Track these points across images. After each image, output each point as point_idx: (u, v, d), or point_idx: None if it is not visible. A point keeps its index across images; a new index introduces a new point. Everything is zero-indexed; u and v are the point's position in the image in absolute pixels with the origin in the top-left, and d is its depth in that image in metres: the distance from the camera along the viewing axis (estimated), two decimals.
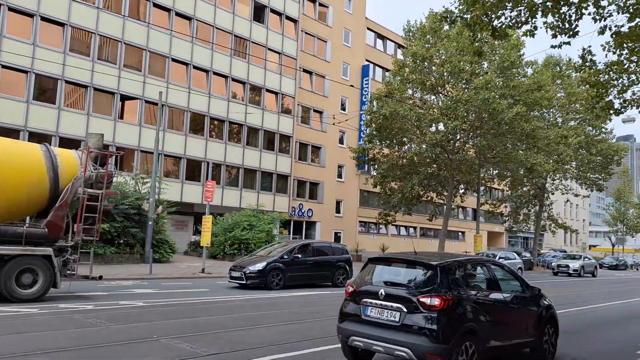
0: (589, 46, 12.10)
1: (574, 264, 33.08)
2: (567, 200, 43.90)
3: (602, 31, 11.01)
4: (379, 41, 46.53)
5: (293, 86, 37.22)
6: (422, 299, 5.78)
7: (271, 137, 36.06)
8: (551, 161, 34.36)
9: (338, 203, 41.57)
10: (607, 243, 71.04)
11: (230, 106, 33.31)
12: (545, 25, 10.50)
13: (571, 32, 10.72)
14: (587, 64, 15.26)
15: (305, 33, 38.98)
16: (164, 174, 29.58)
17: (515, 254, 31.72)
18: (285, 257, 16.64)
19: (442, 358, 5.60)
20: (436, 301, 5.72)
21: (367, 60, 43.76)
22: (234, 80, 33.96)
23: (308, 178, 39.27)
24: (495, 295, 6.76)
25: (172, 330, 8.60)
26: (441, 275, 6.04)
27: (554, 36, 10.79)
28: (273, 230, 28.96)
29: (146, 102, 29.66)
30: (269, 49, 35.66)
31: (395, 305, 5.92)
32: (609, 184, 47.29)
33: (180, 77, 31.53)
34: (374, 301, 6.14)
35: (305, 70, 39.00)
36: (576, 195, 45.25)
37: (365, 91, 42.04)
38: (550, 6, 9.94)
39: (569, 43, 11.16)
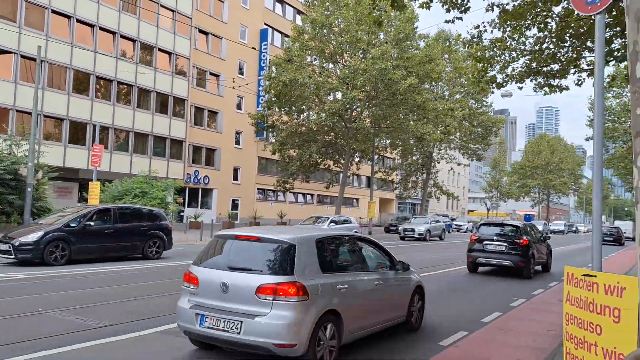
0: (482, 22, 12.85)
1: (420, 228, 31.15)
2: (451, 169, 47.46)
3: (490, 8, 11.73)
4: (278, 5, 45.74)
5: (188, 47, 35.53)
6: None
7: (164, 100, 34.33)
8: (438, 132, 36.57)
9: (236, 170, 41.03)
10: (483, 208, 78.12)
11: (118, 65, 31.03)
12: None
13: (463, 8, 11.35)
14: (475, 40, 16.22)
15: None
16: (44, 137, 27.05)
17: (352, 218, 29.06)
18: (73, 225, 13.43)
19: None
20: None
21: (265, 24, 42.92)
22: (123, 37, 31.59)
23: (204, 144, 38.17)
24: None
25: None
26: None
27: (447, 10, 11.37)
28: (167, 197, 27.89)
29: (22, 56, 26.71)
30: (162, 6, 33.54)
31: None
32: (486, 154, 51.63)
33: (62, 31, 28.65)
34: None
35: (201, 31, 37.34)
36: (459, 164, 48.97)
37: (264, 56, 41.35)
38: None
39: (461, 18, 11.81)
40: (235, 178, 41.09)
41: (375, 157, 40.39)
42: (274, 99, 31.91)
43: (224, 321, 5.12)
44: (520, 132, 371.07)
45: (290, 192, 42.17)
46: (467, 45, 18.49)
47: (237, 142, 41.05)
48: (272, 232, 5.83)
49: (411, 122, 33.50)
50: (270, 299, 5.01)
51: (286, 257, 5.24)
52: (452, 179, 70.65)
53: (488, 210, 71.39)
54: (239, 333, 5.03)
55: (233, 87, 35.50)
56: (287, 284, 5.03)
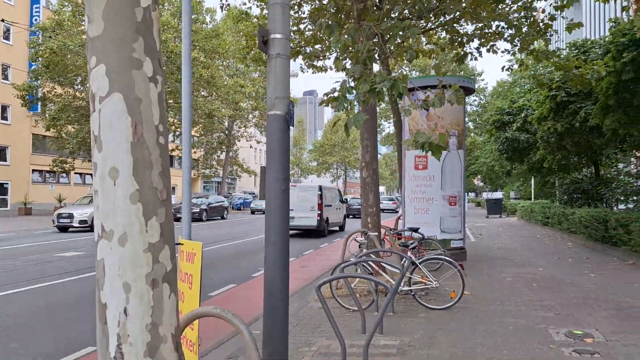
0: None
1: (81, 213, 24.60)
2: (251, 147, 48.32)
3: None
4: None
5: None
6: None
7: None
8: (230, 109, 36.78)
9: (3, 149, 35.75)
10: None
11: None
12: None
13: None
14: (243, 16, 16.41)
15: None
16: None
17: None
18: None
19: None
20: None
21: None
22: None
23: None
24: None
25: None
26: None
27: None
28: None
29: None
30: None
31: None
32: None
33: None
34: None
35: None
36: (258, 142, 50.08)
37: (36, 20, 36.47)
38: None
39: None
40: (3, 158, 35.81)
41: (173, 134, 38.96)
42: (43, 69, 28.40)
43: None
44: (328, 111, 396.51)
45: (75, 173, 38.40)
46: (237, 21, 18.70)
47: (4, 117, 35.73)
48: None
49: (200, 98, 32.99)
50: None
51: None
52: (255, 156, 72.24)
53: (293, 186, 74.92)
54: None
55: None
56: None
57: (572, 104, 14.54)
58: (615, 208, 17.14)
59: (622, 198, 16.31)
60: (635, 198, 15.21)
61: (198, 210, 28.84)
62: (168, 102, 32.49)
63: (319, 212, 18.79)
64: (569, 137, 15.29)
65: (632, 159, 21.03)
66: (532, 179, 32.28)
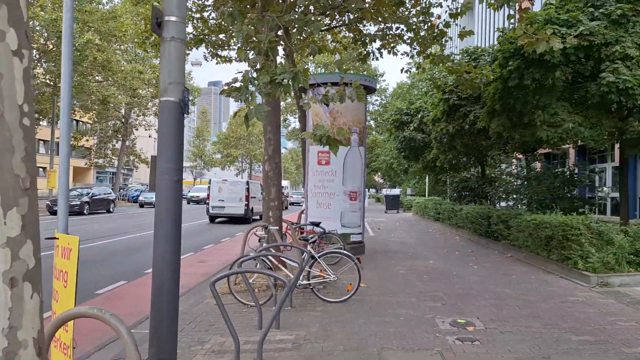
0: None
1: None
2: (150, 136, 46.17)
3: None
4: None
5: None
6: None
7: None
8: (127, 96, 34.84)
9: None
10: (190, 177, 79.32)
11: None
12: None
13: None
14: None
15: None
16: None
17: None
18: None
19: None
20: None
21: None
22: None
23: None
24: None
25: None
26: None
27: None
28: None
29: None
30: None
31: None
32: (187, 123, 51.95)
33: None
34: None
35: None
36: (157, 131, 47.94)
37: None
38: None
39: None
40: None
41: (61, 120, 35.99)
42: None
43: None
44: (234, 103, 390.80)
45: None
46: (136, 4, 17.61)
47: None
48: None
49: (94, 83, 30.86)
50: None
51: None
52: (155, 146, 69.12)
53: (194, 179, 72.84)
54: None
55: None
56: None
57: (463, 107, 15.54)
58: (497, 205, 18.65)
59: (503, 196, 17.76)
60: (514, 196, 16.63)
61: (79, 202, 26.23)
62: (57, 85, 30.01)
63: (246, 202, 22.11)
64: (459, 138, 16.33)
65: (514, 160, 23.03)
66: (427, 177, 34.19)
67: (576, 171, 15.23)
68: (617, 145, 11.70)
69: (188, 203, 40.64)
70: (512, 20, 5.72)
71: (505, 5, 4.64)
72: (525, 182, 15.85)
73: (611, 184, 18.83)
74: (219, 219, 23.09)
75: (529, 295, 7.37)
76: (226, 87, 5.37)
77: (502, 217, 12.97)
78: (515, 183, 17.54)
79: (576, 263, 8.48)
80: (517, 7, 5.07)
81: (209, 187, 22.68)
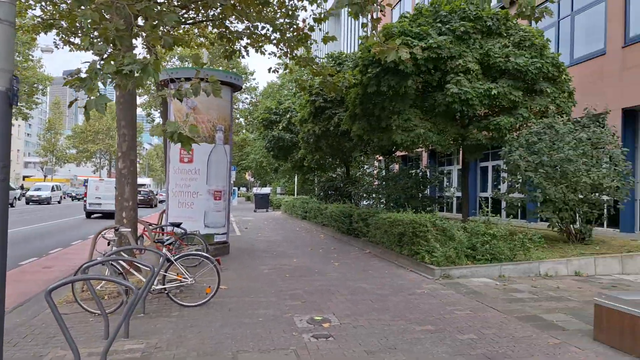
0: None
1: None
2: None
3: None
4: None
5: None
6: None
7: None
8: None
9: None
10: (40, 173, 71.70)
11: None
12: None
13: None
14: None
15: None
16: None
17: None
18: None
19: None
20: None
21: None
22: None
23: None
24: None
25: None
26: None
27: None
28: None
29: None
30: None
31: None
32: (35, 114, 46.91)
33: None
34: None
35: None
36: None
37: None
38: None
39: None
40: None
41: None
42: None
43: None
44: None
45: None
46: None
47: None
48: None
49: None
50: None
51: None
52: None
53: (45, 176, 65.87)
54: None
55: None
56: None
57: (329, 110, 16.10)
58: (360, 204, 19.64)
59: (364, 195, 18.76)
60: (374, 195, 17.65)
61: None
62: None
63: None
64: (325, 139, 16.89)
65: (376, 162, 24.46)
66: (296, 176, 34.87)
67: (428, 173, 16.61)
68: (461, 150, 13.03)
69: (27, 203, 39.05)
70: (365, 29, 6.00)
71: (360, 14, 4.85)
72: (384, 183, 16.89)
73: (457, 184, 20.90)
74: (95, 215, 25.11)
75: (383, 289, 7.82)
76: (70, 78, 4.88)
77: (362, 216, 13.66)
78: (375, 183, 18.62)
79: (423, 257, 9.22)
80: (370, 17, 5.32)
81: (86, 185, 25.43)
